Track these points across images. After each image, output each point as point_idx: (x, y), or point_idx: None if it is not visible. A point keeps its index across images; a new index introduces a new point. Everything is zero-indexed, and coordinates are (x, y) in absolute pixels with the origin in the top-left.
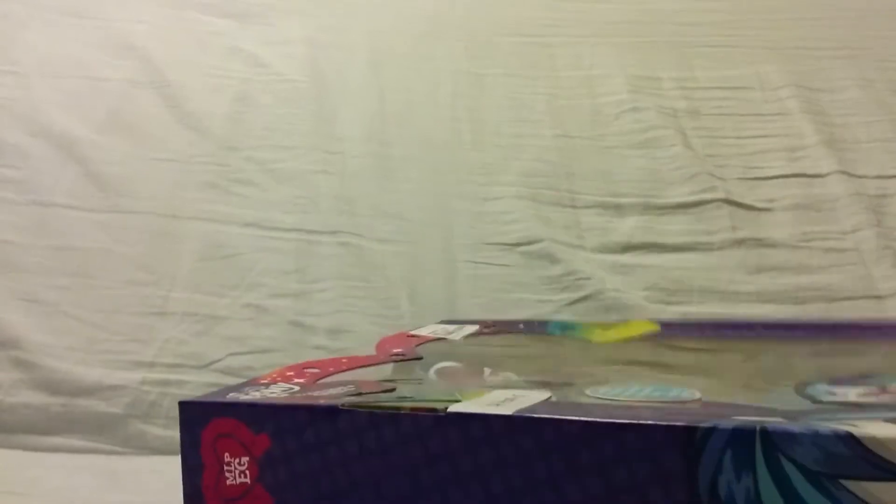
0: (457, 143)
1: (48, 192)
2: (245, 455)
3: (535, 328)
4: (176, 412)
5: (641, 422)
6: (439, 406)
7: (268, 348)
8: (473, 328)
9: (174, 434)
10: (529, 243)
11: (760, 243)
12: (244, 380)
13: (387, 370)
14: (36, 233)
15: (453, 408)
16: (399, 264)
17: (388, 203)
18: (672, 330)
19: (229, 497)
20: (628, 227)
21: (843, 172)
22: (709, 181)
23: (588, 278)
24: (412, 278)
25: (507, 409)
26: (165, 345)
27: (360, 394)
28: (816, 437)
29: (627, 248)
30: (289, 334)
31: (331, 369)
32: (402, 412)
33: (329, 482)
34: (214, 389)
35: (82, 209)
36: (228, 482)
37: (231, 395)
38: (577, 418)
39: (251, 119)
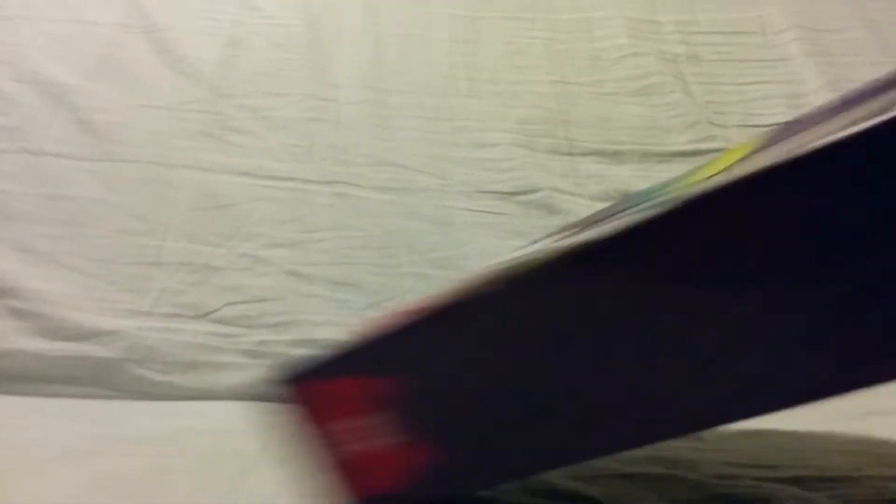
0: (453, 89)
1: (38, 139)
2: (374, 411)
3: None
4: (173, 357)
5: None
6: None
7: (265, 297)
8: None
9: (171, 379)
10: (527, 192)
11: None
12: (244, 329)
13: None
14: (27, 181)
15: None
16: (396, 213)
17: (383, 151)
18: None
19: (364, 465)
20: (627, 176)
21: None
22: (708, 129)
23: None
24: (409, 227)
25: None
26: (162, 294)
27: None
28: None
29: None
30: (286, 283)
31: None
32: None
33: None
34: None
35: (74, 157)
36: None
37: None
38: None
39: (243, 64)
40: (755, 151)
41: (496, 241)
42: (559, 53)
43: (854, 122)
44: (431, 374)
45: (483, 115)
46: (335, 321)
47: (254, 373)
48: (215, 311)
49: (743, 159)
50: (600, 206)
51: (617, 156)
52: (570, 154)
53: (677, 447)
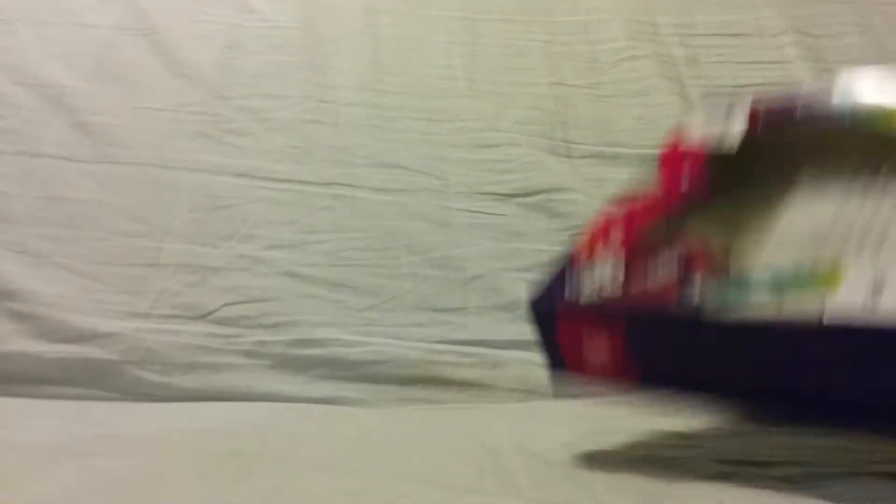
0: (451, 90)
1: (36, 141)
2: (604, 338)
3: (820, 118)
4: (172, 359)
5: None
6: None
7: (263, 298)
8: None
9: (170, 380)
10: (526, 195)
11: None
12: (242, 329)
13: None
14: (25, 183)
15: (829, 314)
16: (395, 214)
17: (382, 152)
18: None
19: (594, 365)
20: (625, 179)
21: None
22: None
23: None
24: (409, 228)
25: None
26: (160, 296)
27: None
28: None
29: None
30: (285, 284)
31: (637, 223)
32: (773, 322)
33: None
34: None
35: (72, 159)
36: (590, 359)
37: (567, 287)
38: None
39: (241, 66)
40: None
41: (495, 243)
42: (557, 56)
43: None
44: (640, 334)
45: (481, 116)
46: (333, 321)
47: (252, 374)
48: (214, 311)
49: None
50: (598, 209)
51: (615, 158)
52: (568, 156)
53: (675, 445)
